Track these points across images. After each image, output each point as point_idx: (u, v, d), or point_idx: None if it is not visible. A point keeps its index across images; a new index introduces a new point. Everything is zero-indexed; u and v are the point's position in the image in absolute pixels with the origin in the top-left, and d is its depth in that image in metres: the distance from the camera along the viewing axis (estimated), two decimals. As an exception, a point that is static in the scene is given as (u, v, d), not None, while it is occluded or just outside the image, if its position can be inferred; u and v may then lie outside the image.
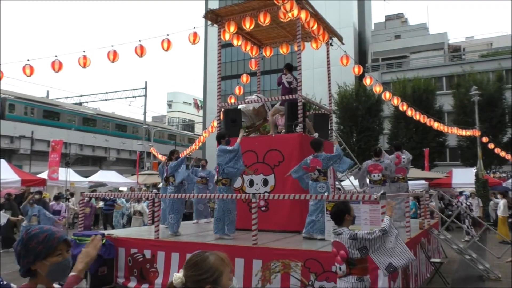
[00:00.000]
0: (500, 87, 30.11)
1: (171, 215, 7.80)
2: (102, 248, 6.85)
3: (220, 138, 7.31)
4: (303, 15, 8.13)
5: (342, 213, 4.00)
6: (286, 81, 8.66)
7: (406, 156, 9.43)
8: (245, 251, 6.05)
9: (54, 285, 1.92)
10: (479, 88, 24.23)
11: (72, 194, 17.42)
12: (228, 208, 7.09)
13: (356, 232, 3.89)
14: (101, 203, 17.58)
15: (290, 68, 8.99)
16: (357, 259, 3.83)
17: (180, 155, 8.93)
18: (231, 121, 8.92)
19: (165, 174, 8.36)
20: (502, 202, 14.73)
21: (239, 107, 9.53)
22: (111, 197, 16.03)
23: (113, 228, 15.33)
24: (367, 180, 8.95)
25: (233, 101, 11.44)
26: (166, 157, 8.81)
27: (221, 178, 7.13)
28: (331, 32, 10.05)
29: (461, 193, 18.83)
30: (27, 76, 9.93)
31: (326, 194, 6.57)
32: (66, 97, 51.04)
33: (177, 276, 1.73)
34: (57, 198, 14.49)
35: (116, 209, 15.90)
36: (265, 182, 8.16)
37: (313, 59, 36.00)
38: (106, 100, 46.85)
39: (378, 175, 8.54)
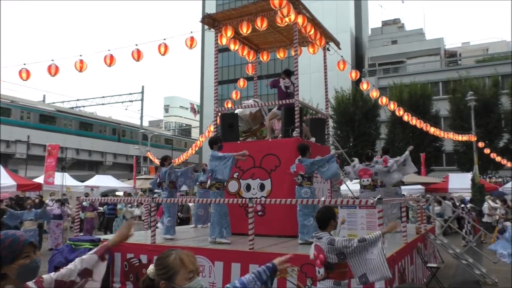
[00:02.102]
0: (496, 93, 30.27)
1: (168, 218, 7.81)
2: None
3: (212, 143, 7.30)
4: (300, 20, 8.14)
5: (327, 218, 4.07)
6: (283, 85, 8.63)
7: (392, 160, 9.34)
8: (241, 255, 6.03)
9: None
10: (475, 94, 24.36)
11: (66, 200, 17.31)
12: (224, 211, 7.08)
13: (334, 238, 3.93)
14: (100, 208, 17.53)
15: (289, 73, 8.98)
16: (335, 263, 3.87)
17: (174, 161, 8.92)
18: (228, 126, 8.91)
19: (158, 180, 8.43)
20: (499, 207, 14.83)
21: (236, 111, 9.52)
22: (112, 202, 15.94)
23: (111, 233, 15.25)
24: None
25: (230, 105, 11.43)
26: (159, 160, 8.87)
27: (214, 182, 7.14)
28: (328, 37, 10.07)
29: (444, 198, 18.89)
30: (23, 80, 9.92)
31: (324, 199, 6.57)
32: (63, 101, 51.05)
33: (151, 267, 1.93)
34: (59, 201, 14.44)
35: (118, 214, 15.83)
36: (262, 187, 8.14)
37: (309, 63, 36.12)
38: (102, 104, 46.91)
39: (368, 180, 8.52)
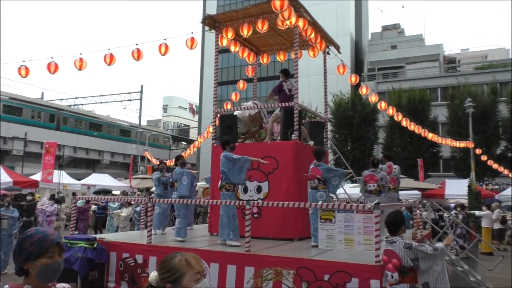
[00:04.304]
0: (494, 100, 30.38)
1: (178, 219, 7.75)
2: (93, 252, 6.80)
3: (225, 144, 7.25)
4: (301, 23, 8.15)
5: (398, 223, 4.18)
6: (287, 88, 8.67)
7: (397, 167, 9.55)
8: (237, 257, 6.02)
9: (62, 284, 1.99)
10: (473, 100, 24.44)
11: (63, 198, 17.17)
12: (233, 213, 7.01)
13: (411, 242, 4.06)
14: (93, 207, 17.41)
15: (287, 73, 8.99)
16: (409, 267, 3.97)
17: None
18: (227, 127, 8.89)
19: (170, 179, 8.52)
20: (486, 213, 15.08)
21: (235, 113, 9.50)
22: (104, 201, 15.86)
23: (101, 232, 15.18)
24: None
25: (229, 107, 11.43)
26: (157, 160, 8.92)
27: (224, 183, 7.05)
28: (329, 41, 10.08)
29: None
30: (22, 77, 9.89)
31: (321, 202, 6.57)
32: (61, 99, 50.92)
33: (154, 274, 1.84)
34: (52, 198, 14.35)
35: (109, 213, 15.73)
36: (259, 189, 8.13)
37: (309, 66, 36.12)
38: (101, 102, 46.80)
39: (373, 185, 8.63)
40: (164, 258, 1.85)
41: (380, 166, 9.25)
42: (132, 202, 13.85)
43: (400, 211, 4.73)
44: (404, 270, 3.98)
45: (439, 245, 4.19)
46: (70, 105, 49.48)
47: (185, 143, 68.67)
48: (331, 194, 7.68)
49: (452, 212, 16.25)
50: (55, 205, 13.89)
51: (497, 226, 15.52)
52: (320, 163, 7.09)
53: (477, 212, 15.88)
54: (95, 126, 46.99)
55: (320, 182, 6.96)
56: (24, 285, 1.84)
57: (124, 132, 50.84)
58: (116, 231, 14.24)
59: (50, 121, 41.38)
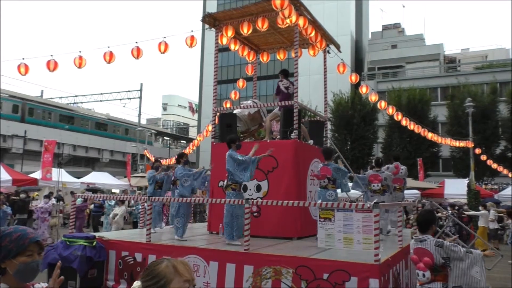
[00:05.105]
0: (494, 100, 30.39)
1: (177, 218, 7.73)
2: (92, 250, 6.79)
3: (230, 142, 7.21)
4: (301, 21, 8.13)
5: (430, 222, 4.20)
6: (283, 87, 8.66)
7: (404, 167, 9.61)
8: (236, 256, 6.01)
9: (40, 284, 1.95)
10: (473, 100, 24.43)
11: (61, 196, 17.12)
12: (237, 213, 6.95)
13: (442, 240, 4.06)
14: (91, 205, 17.41)
15: (286, 74, 8.98)
16: (441, 265, 3.95)
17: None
18: (226, 126, 8.88)
19: (172, 177, 8.52)
20: (482, 213, 15.15)
21: (234, 112, 9.49)
22: (101, 199, 15.82)
23: (98, 230, 15.13)
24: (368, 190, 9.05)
25: (228, 105, 11.41)
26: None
27: (230, 183, 7.03)
28: (329, 40, 10.06)
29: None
30: (22, 75, 9.87)
31: (321, 201, 6.58)
32: (61, 97, 50.90)
33: (136, 283, 1.76)
34: (47, 196, 14.32)
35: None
36: (258, 188, 8.12)
37: (309, 65, 36.15)
38: (100, 101, 46.76)
39: (378, 185, 8.70)
40: (148, 264, 1.75)
41: (387, 166, 9.31)
42: (132, 201, 13.82)
43: (432, 210, 4.73)
44: (436, 268, 3.95)
45: (477, 251, 4.15)
46: (69, 103, 49.43)
47: (184, 141, 68.68)
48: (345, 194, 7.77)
49: (450, 212, 16.32)
50: (50, 202, 13.84)
51: (492, 226, 15.56)
52: (329, 163, 7.17)
53: (471, 212, 15.94)
54: (67, 118, 43.79)
55: (329, 182, 7.06)
56: (0, 284, 1.82)
57: (100, 126, 47.76)
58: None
59: (13, 112, 38.34)
